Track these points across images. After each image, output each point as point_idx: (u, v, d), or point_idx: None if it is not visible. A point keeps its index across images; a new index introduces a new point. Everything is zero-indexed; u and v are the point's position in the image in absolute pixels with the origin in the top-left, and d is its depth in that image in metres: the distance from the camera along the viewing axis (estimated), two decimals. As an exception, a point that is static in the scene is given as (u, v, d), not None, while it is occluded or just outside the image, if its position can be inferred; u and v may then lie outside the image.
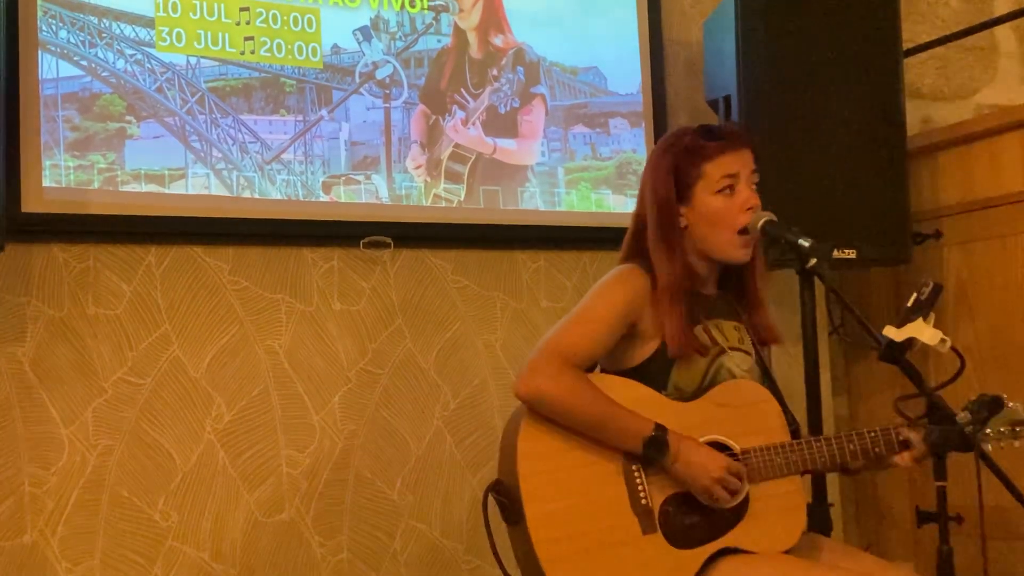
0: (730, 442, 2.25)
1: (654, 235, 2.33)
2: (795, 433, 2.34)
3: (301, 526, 3.14)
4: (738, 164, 2.32)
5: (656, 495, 2.20)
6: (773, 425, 2.31)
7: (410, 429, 3.31)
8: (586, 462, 2.19)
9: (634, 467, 2.20)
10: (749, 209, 2.31)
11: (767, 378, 2.40)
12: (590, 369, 2.37)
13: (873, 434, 2.26)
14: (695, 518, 2.21)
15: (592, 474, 2.18)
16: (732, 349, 2.36)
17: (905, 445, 2.25)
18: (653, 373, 2.29)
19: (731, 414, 2.27)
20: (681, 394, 2.29)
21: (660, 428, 2.16)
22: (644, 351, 2.31)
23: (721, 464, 2.17)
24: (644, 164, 3.60)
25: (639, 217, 2.40)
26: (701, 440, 2.22)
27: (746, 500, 2.23)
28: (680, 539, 2.19)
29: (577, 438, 2.19)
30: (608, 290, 2.30)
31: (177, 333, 3.04)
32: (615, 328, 2.27)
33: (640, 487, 2.19)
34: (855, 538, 3.94)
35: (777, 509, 2.25)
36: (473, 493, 3.34)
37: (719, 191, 2.31)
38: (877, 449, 2.26)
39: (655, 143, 3.60)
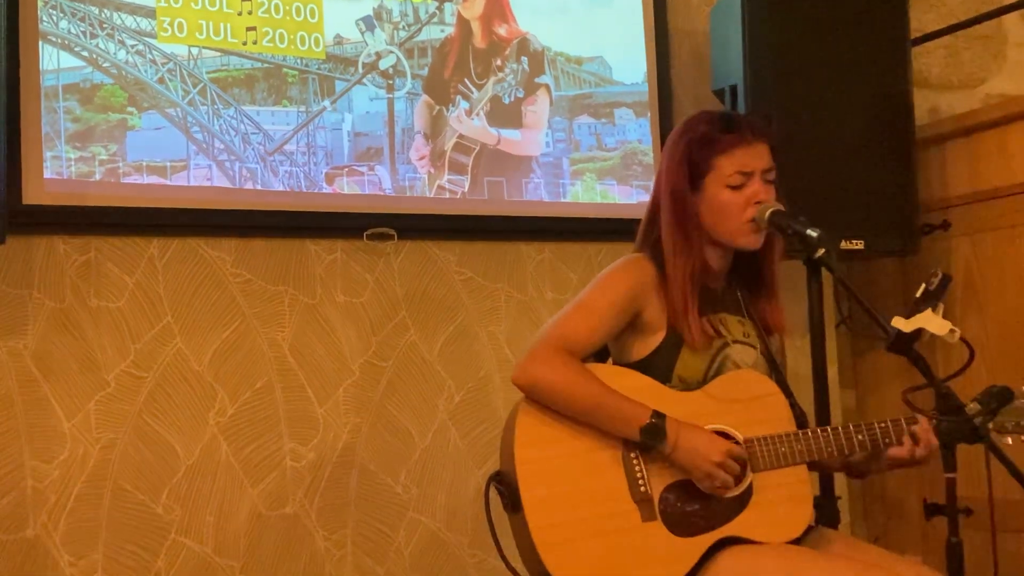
0: (734, 431, 2.22)
1: (668, 223, 2.31)
2: (802, 425, 2.31)
3: (305, 520, 3.12)
4: (751, 160, 2.29)
5: (656, 483, 2.18)
6: (778, 416, 2.28)
7: (414, 422, 3.29)
8: (584, 449, 2.17)
9: (633, 455, 2.18)
10: (757, 203, 2.28)
11: (774, 370, 2.38)
12: (601, 359, 2.36)
13: (883, 425, 2.24)
14: (696, 506, 2.19)
15: (590, 461, 2.17)
16: (736, 343, 2.34)
17: (914, 438, 2.23)
18: (657, 365, 2.27)
19: (735, 404, 2.25)
20: (685, 386, 2.27)
21: (658, 415, 2.14)
22: (648, 344, 2.29)
23: (721, 448, 2.15)
24: (650, 155, 3.64)
25: (654, 203, 2.38)
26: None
27: (749, 489, 2.20)
28: (681, 527, 2.17)
29: (575, 426, 2.18)
30: (611, 280, 2.29)
31: (180, 326, 3.03)
32: (616, 318, 2.26)
33: (639, 475, 2.17)
34: (863, 531, 3.92)
35: (782, 499, 2.22)
36: (478, 486, 3.32)
37: (728, 186, 2.29)
38: (887, 440, 2.23)
39: (660, 133, 3.63)
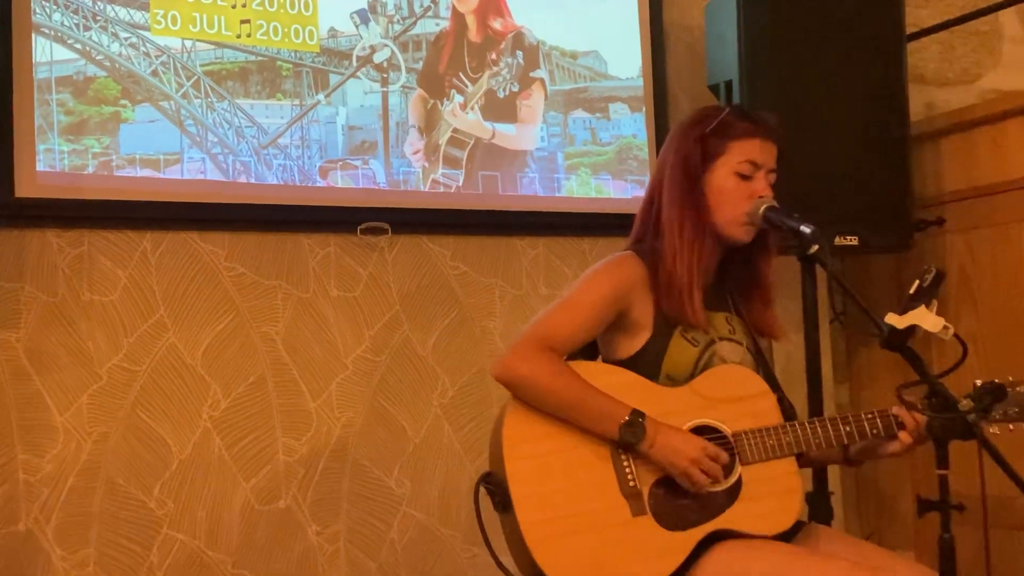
0: (720, 425, 2.23)
1: (675, 200, 2.30)
2: (790, 418, 2.31)
3: (298, 514, 3.12)
4: (762, 154, 2.31)
5: (645, 477, 2.18)
6: (765, 409, 2.28)
7: (408, 417, 3.29)
8: (572, 445, 2.17)
9: (621, 450, 2.18)
10: (759, 198, 2.29)
11: (762, 366, 2.38)
12: (591, 356, 2.36)
13: (870, 416, 2.25)
14: (686, 500, 2.18)
15: (579, 457, 2.17)
16: (723, 339, 2.34)
17: (902, 427, 2.23)
18: (645, 364, 2.27)
19: (722, 398, 2.25)
20: (674, 383, 2.27)
21: (636, 413, 2.14)
22: (635, 342, 2.29)
23: (698, 446, 2.15)
24: (644, 149, 3.63)
25: (651, 194, 2.38)
26: (690, 423, 2.21)
27: (739, 482, 2.20)
28: (671, 521, 2.17)
29: (563, 422, 2.18)
30: (597, 277, 2.28)
31: (173, 319, 3.02)
32: (601, 315, 2.25)
33: (628, 470, 2.17)
34: (856, 527, 3.92)
35: (772, 491, 2.22)
36: (471, 481, 3.28)
37: (737, 173, 2.29)
38: (874, 431, 2.24)
39: (655, 128, 3.62)
